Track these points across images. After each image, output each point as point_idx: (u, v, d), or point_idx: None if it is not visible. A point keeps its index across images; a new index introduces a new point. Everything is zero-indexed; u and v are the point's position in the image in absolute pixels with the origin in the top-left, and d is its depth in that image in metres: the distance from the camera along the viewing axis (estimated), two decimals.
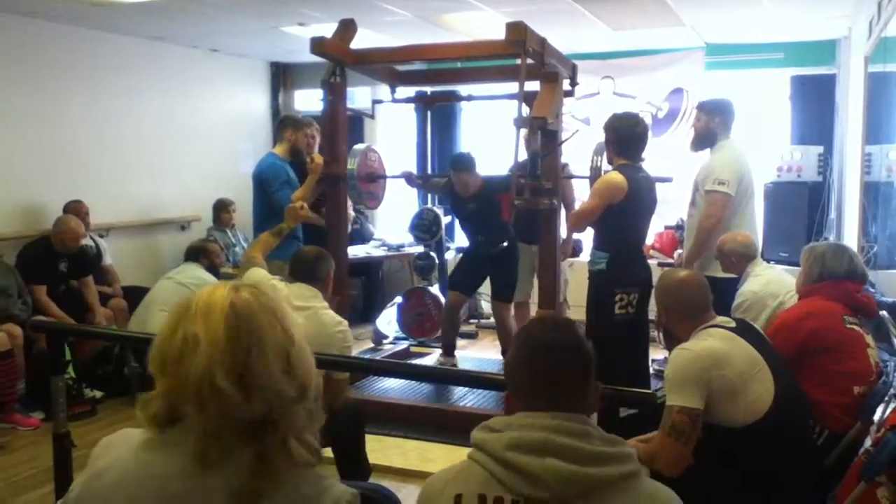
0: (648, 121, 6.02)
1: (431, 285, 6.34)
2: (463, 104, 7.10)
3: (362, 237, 7.14)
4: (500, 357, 5.16)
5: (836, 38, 6.21)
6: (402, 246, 6.95)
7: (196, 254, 5.13)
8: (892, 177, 5.47)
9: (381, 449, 3.82)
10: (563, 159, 4.55)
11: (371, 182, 5.14)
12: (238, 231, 6.54)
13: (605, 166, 4.09)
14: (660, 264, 5.77)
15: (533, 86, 4.19)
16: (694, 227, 4.35)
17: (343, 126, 4.63)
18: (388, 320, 6.38)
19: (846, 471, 2.45)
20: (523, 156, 4.00)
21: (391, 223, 7.66)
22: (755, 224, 4.46)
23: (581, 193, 5.07)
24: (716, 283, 4.07)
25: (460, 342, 5.72)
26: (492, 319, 5.87)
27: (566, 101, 4.56)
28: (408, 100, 5.31)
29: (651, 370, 4.45)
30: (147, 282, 5.47)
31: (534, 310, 5.25)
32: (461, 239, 5.77)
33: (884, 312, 3.93)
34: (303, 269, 3.18)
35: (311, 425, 1.18)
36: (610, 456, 1.33)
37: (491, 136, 5.26)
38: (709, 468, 2.33)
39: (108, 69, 5.97)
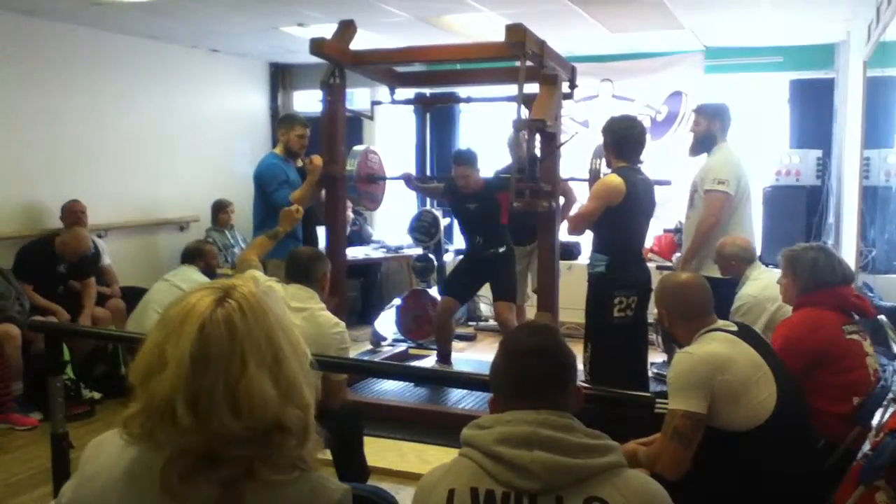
0: (647, 124, 6.02)
1: (430, 287, 6.33)
2: (462, 106, 7.11)
3: (361, 239, 7.14)
4: None
5: (835, 42, 6.23)
6: (400, 248, 6.95)
7: (192, 256, 5.13)
8: (890, 181, 5.49)
9: (380, 451, 3.82)
10: (562, 162, 4.56)
11: (370, 183, 5.14)
12: (237, 232, 6.53)
13: (604, 169, 4.09)
14: (658, 267, 5.78)
15: (532, 88, 4.19)
16: (692, 228, 4.36)
17: (342, 127, 4.64)
18: (386, 322, 6.38)
19: (844, 475, 2.45)
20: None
21: (390, 225, 7.65)
22: (752, 227, 4.47)
23: (580, 196, 5.06)
24: (713, 285, 4.10)
25: (459, 344, 5.71)
26: (491, 322, 5.86)
27: (565, 103, 4.57)
28: (407, 101, 5.31)
29: (650, 373, 4.45)
30: (145, 282, 5.46)
31: (529, 312, 5.25)
32: (460, 241, 5.76)
33: (882, 317, 3.93)
34: (298, 271, 3.18)
35: (282, 456, 1.14)
36: (595, 447, 1.39)
37: (490, 137, 5.26)
38: (710, 472, 2.33)
39: (107, 68, 5.97)
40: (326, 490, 1.20)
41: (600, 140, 4.05)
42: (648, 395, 2.23)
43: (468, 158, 4.83)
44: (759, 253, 4.33)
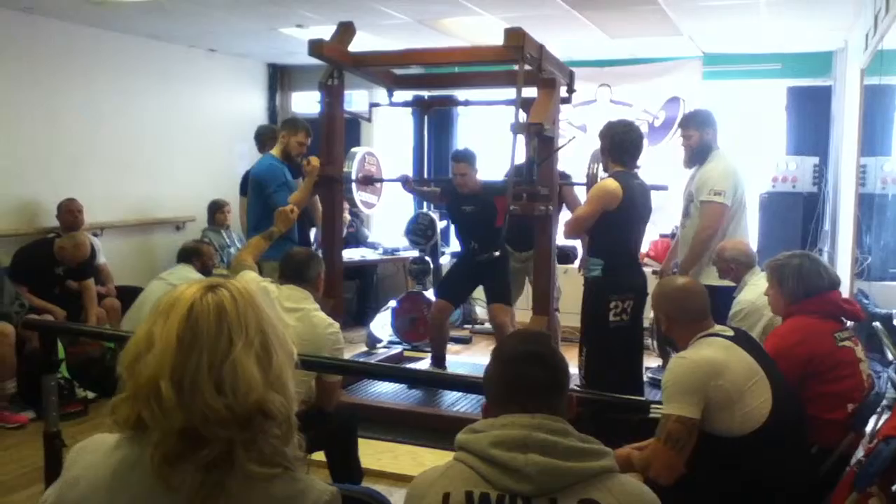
0: (645, 129, 6.02)
1: (426, 290, 6.33)
2: (460, 109, 7.10)
3: (357, 240, 7.14)
4: None
5: (833, 49, 6.25)
6: (397, 250, 6.95)
7: (189, 255, 5.12)
8: (886, 188, 5.50)
9: (374, 453, 3.81)
10: (560, 166, 4.56)
11: (367, 185, 5.14)
12: (233, 232, 6.53)
13: (602, 173, 4.09)
14: (654, 272, 5.78)
15: (530, 92, 4.19)
16: (688, 237, 4.34)
17: (340, 129, 4.63)
18: (382, 324, 6.37)
19: (837, 482, 2.46)
20: (518, 161, 3.99)
21: (387, 227, 7.65)
22: (747, 235, 4.45)
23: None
24: (710, 292, 4.09)
25: (454, 347, 5.71)
26: (486, 325, 5.86)
27: (563, 107, 4.57)
28: (405, 104, 5.30)
29: (645, 378, 4.45)
30: (141, 281, 5.45)
31: (520, 316, 5.23)
32: (456, 243, 5.76)
33: (877, 324, 3.94)
34: (293, 271, 3.17)
35: (264, 443, 1.14)
36: (588, 451, 1.40)
37: (488, 141, 5.26)
38: (705, 477, 2.33)
39: (106, 67, 5.96)
40: (314, 492, 1.20)
41: (598, 144, 4.06)
42: (643, 399, 2.23)
43: (466, 156, 4.83)
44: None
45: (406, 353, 6.01)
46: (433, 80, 5.73)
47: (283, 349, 1.21)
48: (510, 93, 4.25)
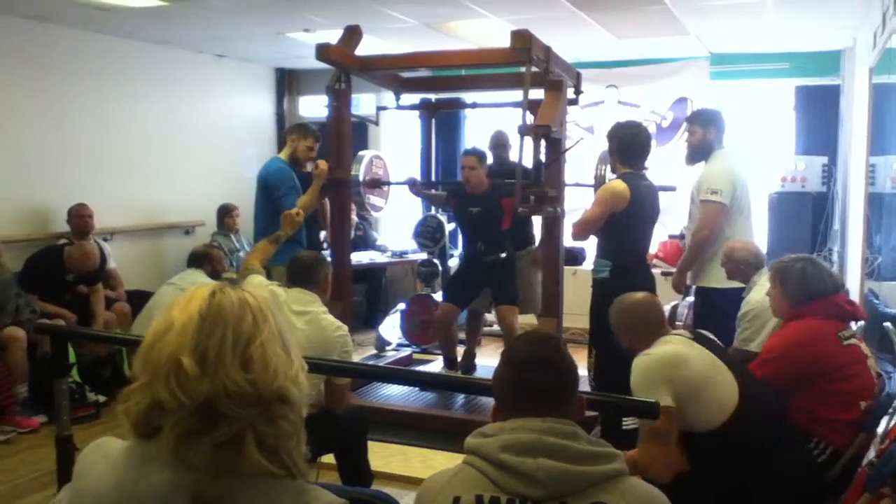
0: (652, 130, 6.02)
1: (435, 292, 6.33)
2: (467, 111, 7.12)
3: (365, 243, 7.15)
4: None
5: (841, 48, 6.23)
6: (405, 252, 6.96)
7: (199, 259, 5.14)
8: None
9: (384, 456, 3.82)
10: (568, 168, 4.56)
11: (375, 188, 5.15)
12: (242, 236, 6.55)
13: (609, 175, 4.09)
14: (663, 273, 5.77)
15: (537, 94, 4.20)
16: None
17: (347, 132, 4.64)
18: (391, 327, 6.38)
19: (849, 482, 2.45)
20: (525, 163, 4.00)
21: (395, 230, 7.66)
22: (752, 236, 4.37)
23: (586, 202, 5.06)
24: (710, 295, 4.07)
25: (463, 349, 5.69)
26: (495, 326, 5.85)
27: (570, 109, 4.57)
28: (412, 107, 5.32)
29: None
30: (151, 286, 5.48)
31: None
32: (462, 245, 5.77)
33: (888, 324, 3.92)
34: (300, 274, 3.18)
35: (277, 433, 1.14)
36: (598, 455, 1.39)
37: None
38: (696, 477, 2.36)
39: (114, 73, 6.00)
40: (321, 502, 1.18)
41: (605, 146, 4.05)
42: (653, 400, 2.23)
43: (476, 151, 4.85)
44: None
45: (415, 356, 6.02)
46: (440, 82, 5.74)
47: (297, 354, 1.22)
48: (517, 95, 4.25)
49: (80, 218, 5.30)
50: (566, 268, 4.69)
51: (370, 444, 3.30)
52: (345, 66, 4.47)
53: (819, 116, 6.36)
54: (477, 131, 7.42)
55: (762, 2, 4.79)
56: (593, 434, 1.51)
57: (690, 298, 4.65)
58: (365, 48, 4.65)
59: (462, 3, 4.79)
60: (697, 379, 2.39)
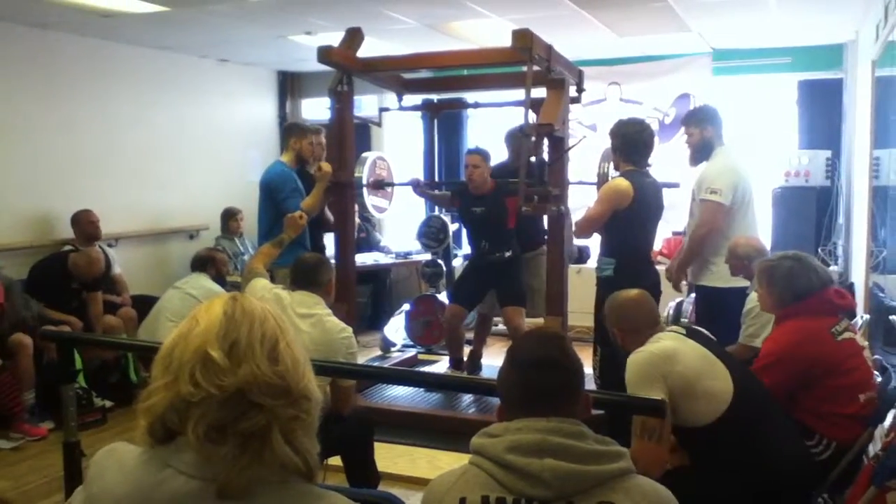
0: (655, 127, 6.00)
1: (439, 293, 6.34)
2: (470, 111, 7.12)
3: (369, 245, 7.15)
4: None
5: (844, 42, 6.21)
6: (409, 253, 6.96)
7: (203, 263, 5.15)
8: None
9: (391, 457, 3.82)
10: (571, 166, 4.55)
11: (378, 190, 5.15)
12: (246, 239, 6.56)
13: (613, 172, 4.08)
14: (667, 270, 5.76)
15: (539, 92, 4.19)
16: None
17: (350, 134, 4.65)
18: (396, 328, 6.38)
19: (852, 476, 2.45)
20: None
21: (399, 231, 7.67)
22: (756, 232, 4.34)
23: (589, 200, 5.05)
24: (711, 294, 4.06)
25: (469, 349, 5.70)
26: (501, 326, 5.85)
27: (573, 107, 4.56)
28: (414, 107, 5.32)
29: None
30: (156, 290, 5.49)
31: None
32: (468, 246, 5.77)
33: (894, 317, 3.91)
34: (304, 277, 3.19)
35: (300, 428, 1.15)
36: (604, 454, 1.39)
37: (498, 142, 5.27)
38: (696, 472, 2.37)
39: (118, 79, 6.02)
40: None
41: (608, 143, 4.05)
42: (659, 398, 2.24)
43: (480, 150, 4.85)
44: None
45: (420, 357, 6.02)
46: (442, 83, 5.73)
47: (308, 360, 1.23)
48: (519, 94, 4.25)
49: (89, 224, 5.30)
50: (571, 266, 4.68)
51: (376, 445, 3.30)
52: (347, 68, 4.47)
53: (822, 111, 6.34)
54: (479, 131, 7.43)
55: None
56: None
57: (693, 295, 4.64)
58: (367, 50, 4.65)
59: (463, 4, 4.79)
60: (690, 374, 2.40)
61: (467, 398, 4.82)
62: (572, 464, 1.35)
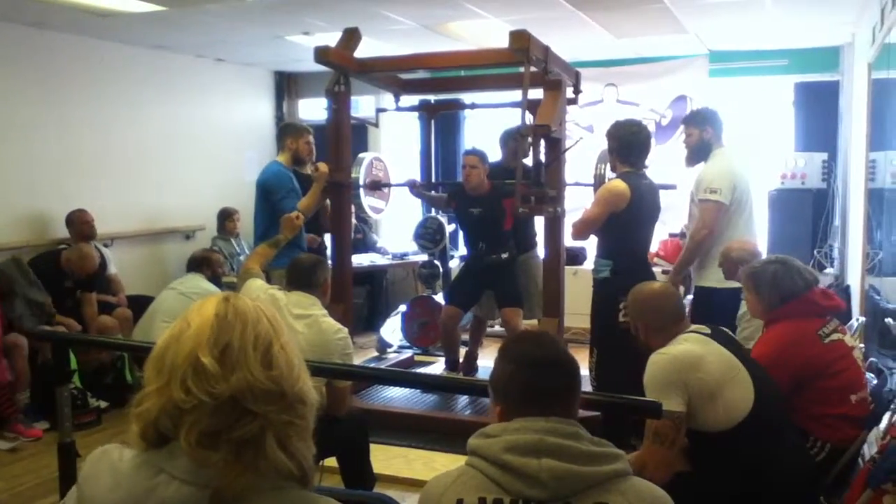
0: (652, 128, 6.01)
1: (436, 294, 6.34)
2: (467, 112, 7.12)
3: (366, 246, 7.15)
4: None
5: (840, 44, 6.22)
6: (406, 254, 6.96)
7: (199, 264, 5.14)
8: None
9: (386, 458, 3.81)
10: (568, 167, 4.55)
11: (375, 190, 5.15)
12: (242, 240, 6.55)
13: (609, 174, 4.08)
14: (664, 272, 5.76)
15: (536, 93, 4.19)
16: None
17: (347, 135, 4.64)
18: (392, 329, 6.38)
19: (848, 478, 2.45)
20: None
21: (395, 232, 7.66)
22: (754, 234, 4.35)
23: (586, 201, 5.05)
24: (709, 295, 4.06)
25: (465, 350, 5.69)
26: (497, 328, 5.85)
27: (570, 108, 4.56)
28: (411, 108, 5.32)
29: None
30: (152, 291, 5.48)
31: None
32: (465, 248, 5.77)
33: (889, 320, 3.91)
34: (300, 277, 3.18)
35: (295, 433, 1.13)
36: (601, 455, 1.39)
37: (495, 143, 5.28)
38: (702, 476, 2.35)
39: (114, 79, 6.00)
40: None
41: (605, 145, 4.05)
42: (655, 400, 2.23)
43: (476, 151, 4.86)
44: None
45: (417, 358, 6.01)
46: (439, 84, 5.74)
47: (302, 361, 1.21)
48: (516, 95, 4.25)
49: (84, 224, 5.29)
50: (567, 268, 4.68)
51: (372, 446, 3.30)
52: (344, 69, 4.46)
53: (818, 113, 6.35)
54: (476, 132, 7.43)
55: None
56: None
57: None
58: (364, 50, 4.64)
59: (460, 5, 4.79)
60: (713, 382, 2.35)
61: (463, 399, 4.82)
62: (569, 464, 1.35)
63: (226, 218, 6.51)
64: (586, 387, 3.05)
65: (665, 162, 5.97)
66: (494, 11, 4.99)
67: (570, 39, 5.82)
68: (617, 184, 3.77)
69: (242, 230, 6.51)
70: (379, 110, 5.34)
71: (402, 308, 6.36)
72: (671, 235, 6.47)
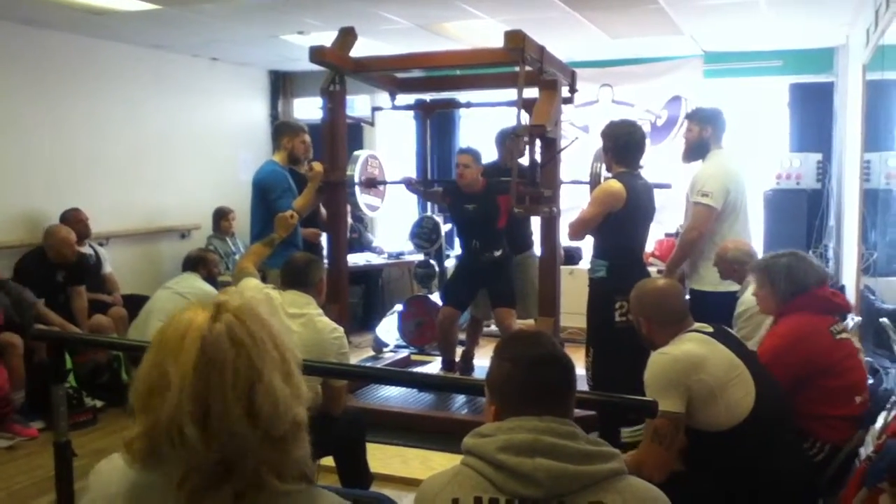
0: (647, 129, 6.02)
1: (431, 293, 6.33)
2: (462, 111, 7.12)
3: (362, 245, 7.15)
4: None
5: (834, 46, 6.25)
6: (401, 254, 6.96)
7: (194, 263, 5.13)
8: (890, 184, 5.49)
9: (383, 457, 3.81)
10: (563, 167, 4.55)
11: (370, 188, 5.15)
12: (237, 239, 6.55)
13: (605, 173, 4.09)
14: (659, 272, 5.78)
15: (532, 93, 4.20)
16: None
17: (342, 134, 4.64)
18: (388, 328, 6.38)
19: (845, 477, 2.46)
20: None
21: (391, 231, 7.66)
22: (749, 236, 4.32)
23: (581, 201, 5.06)
24: (703, 297, 4.06)
25: (461, 349, 5.70)
26: (493, 327, 5.85)
27: (565, 108, 4.57)
28: (407, 107, 5.32)
29: None
30: (147, 290, 5.47)
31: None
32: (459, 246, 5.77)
33: (884, 320, 3.93)
34: (294, 276, 3.17)
35: (290, 458, 1.13)
36: (596, 454, 1.39)
37: (490, 143, 5.28)
38: (700, 475, 2.35)
39: (109, 77, 5.99)
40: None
41: (600, 145, 4.05)
42: (651, 399, 2.23)
43: (470, 150, 4.85)
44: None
45: (413, 357, 6.01)
46: (435, 83, 5.74)
47: (294, 356, 1.19)
48: (512, 94, 4.26)
49: (78, 223, 5.26)
50: (563, 267, 4.69)
51: (369, 445, 3.29)
52: (339, 68, 4.46)
53: (813, 113, 6.37)
54: (472, 131, 7.43)
55: (755, 0, 4.80)
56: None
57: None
58: (360, 50, 4.64)
59: (456, 5, 4.79)
60: (714, 383, 2.35)
61: (460, 399, 4.82)
62: (565, 463, 1.35)
63: (221, 217, 6.50)
64: (582, 386, 3.07)
65: (660, 162, 5.98)
66: (490, 11, 4.99)
67: (565, 40, 5.82)
68: (613, 184, 3.78)
69: (238, 229, 6.50)
70: (375, 109, 5.33)
71: (399, 307, 6.36)
72: (667, 235, 6.48)
